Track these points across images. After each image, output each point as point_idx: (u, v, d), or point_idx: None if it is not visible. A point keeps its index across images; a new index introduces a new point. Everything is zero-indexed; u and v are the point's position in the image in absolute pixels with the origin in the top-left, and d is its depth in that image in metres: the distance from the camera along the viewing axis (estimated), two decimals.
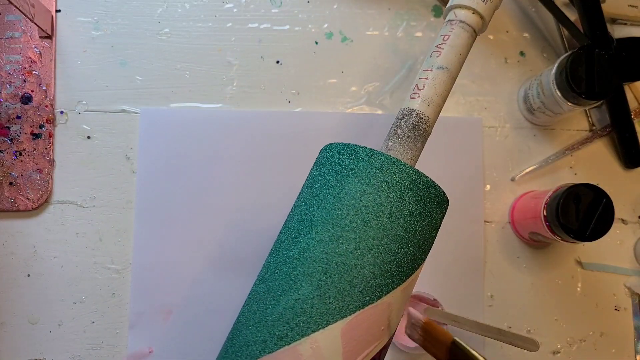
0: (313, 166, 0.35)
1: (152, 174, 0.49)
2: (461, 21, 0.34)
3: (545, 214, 0.45)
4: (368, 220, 0.30)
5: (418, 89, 0.33)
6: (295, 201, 0.34)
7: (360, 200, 0.30)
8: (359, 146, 0.31)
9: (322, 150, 0.34)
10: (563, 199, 0.43)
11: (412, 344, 0.45)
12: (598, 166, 0.52)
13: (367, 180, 0.31)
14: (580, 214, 0.43)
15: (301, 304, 0.29)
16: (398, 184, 0.31)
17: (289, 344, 0.29)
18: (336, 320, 0.29)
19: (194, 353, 0.47)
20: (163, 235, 0.48)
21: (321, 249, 0.30)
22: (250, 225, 0.49)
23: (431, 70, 0.33)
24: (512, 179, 0.51)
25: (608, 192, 0.43)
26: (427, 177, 0.32)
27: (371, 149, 0.31)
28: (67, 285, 0.48)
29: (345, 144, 0.32)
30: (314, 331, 0.29)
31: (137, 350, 0.47)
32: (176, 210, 0.48)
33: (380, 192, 0.30)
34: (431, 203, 0.32)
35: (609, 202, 0.43)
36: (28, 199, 0.48)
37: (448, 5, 0.36)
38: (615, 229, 0.51)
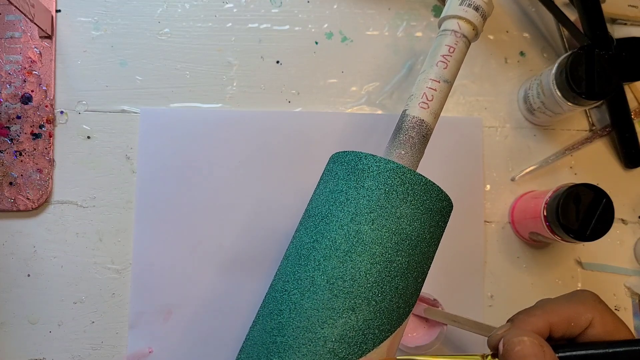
0: (347, 173, 0.33)
1: (152, 174, 0.49)
2: (464, 35, 0.35)
3: (545, 214, 0.45)
4: (415, 245, 0.32)
5: (427, 99, 0.34)
6: (330, 208, 0.32)
7: (410, 225, 0.32)
8: (406, 167, 0.32)
9: (358, 158, 0.33)
10: (563, 199, 0.43)
11: (412, 343, 0.45)
12: (598, 166, 0.52)
13: (416, 206, 0.32)
14: (580, 214, 0.43)
15: (361, 325, 0.30)
16: (436, 210, 0.33)
17: None
18: (386, 338, 0.31)
19: (194, 353, 0.47)
20: (163, 235, 0.48)
21: (376, 271, 0.31)
22: (250, 224, 0.49)
23: (439, 82, 0.34)
24: (512, 179, 0.51)
25: (608, 192, 0.43)
26: (451, 200, 0.34)
27: (420, 174, 0.32)
28: (67, 285, 0.48)
29: (392, 162, 0.32)
30: (370, 350, 0.31)
31: (137, 350, 0.47)
32: (176, 210, 0.48)
33: (425, 217, 0.32)
34: (446, 222, 0.34)
35: (609, 202, 0.43)
36: (28, 199, 0.48)
37: (451, 11, 0.36)
38: (615, 229, 0.51)
